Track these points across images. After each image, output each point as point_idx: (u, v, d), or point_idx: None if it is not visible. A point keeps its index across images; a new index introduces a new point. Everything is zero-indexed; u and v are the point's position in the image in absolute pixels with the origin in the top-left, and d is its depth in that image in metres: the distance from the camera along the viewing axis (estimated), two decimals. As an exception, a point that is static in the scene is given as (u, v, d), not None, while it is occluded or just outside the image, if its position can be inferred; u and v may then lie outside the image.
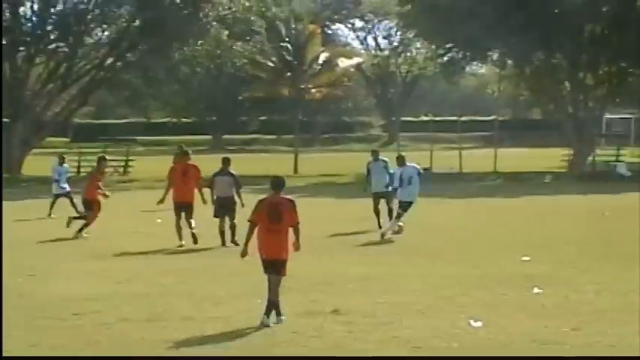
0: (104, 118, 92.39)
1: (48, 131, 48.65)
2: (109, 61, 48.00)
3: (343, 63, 57.34)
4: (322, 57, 52.45)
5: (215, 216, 18.66)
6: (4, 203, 24.17)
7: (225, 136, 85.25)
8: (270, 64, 52.95)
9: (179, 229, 18.58)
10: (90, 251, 17.97)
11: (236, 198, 18.60)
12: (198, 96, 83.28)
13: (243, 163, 50.53)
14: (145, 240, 19.35)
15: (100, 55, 48.28)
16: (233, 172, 18.93)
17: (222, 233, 18.43)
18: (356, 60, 69.76)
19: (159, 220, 23.07)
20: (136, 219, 24.50)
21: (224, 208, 18.52)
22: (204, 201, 18.96)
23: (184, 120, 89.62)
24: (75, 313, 11.71)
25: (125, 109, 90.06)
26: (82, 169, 44.61)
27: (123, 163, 47.55)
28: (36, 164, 42.19)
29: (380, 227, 20.59)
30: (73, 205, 24.06)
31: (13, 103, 44.99)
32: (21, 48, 46.19)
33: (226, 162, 19.09)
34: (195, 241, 18.34)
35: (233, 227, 18.34)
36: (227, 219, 18.51)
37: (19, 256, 17.21)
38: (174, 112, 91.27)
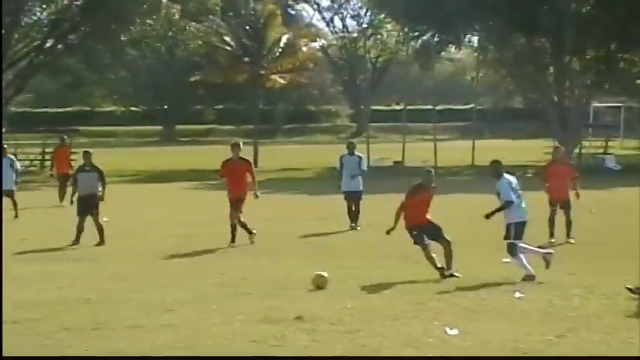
0: (44, 107, 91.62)
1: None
2: (49, 43, 47.71)
3: (307, 46, 57.34)
4: (284, 40, 52.37)
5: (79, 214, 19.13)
6: None
7: (178, 127, 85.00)
8: (227, 47, 52.78)
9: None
10: (26, 253, 17.84)
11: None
12: (147, 83, 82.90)
13: (197, 156, 50.62)
14: (88, 240, 19.23)
15: (38, 37, 47.91)
16: (98, 166, 19.57)
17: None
18: (321, 42, 69.81)
19: (105, 219, 22.97)
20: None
21: (89, 206, 19.11)
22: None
23: (132, 109, 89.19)
24: (13, 322, 11.62)
25: (67, 97, 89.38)
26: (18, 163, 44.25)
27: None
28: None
29: (354, 227, 20.86)
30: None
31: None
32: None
33: (87, 156, 19.65)
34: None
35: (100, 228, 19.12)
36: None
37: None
38: (121, 100, 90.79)
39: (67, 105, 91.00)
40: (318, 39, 70.16)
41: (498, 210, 14.57)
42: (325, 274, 13.91)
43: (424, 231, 14.94)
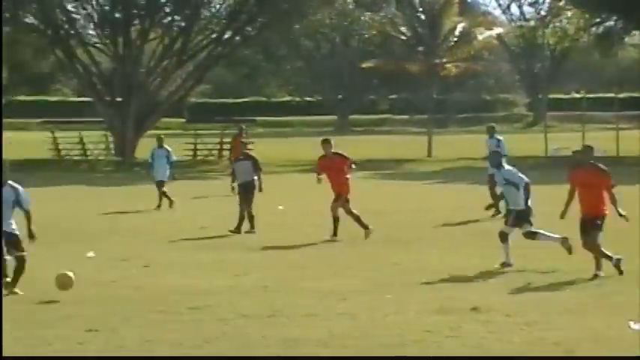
0: (221, 98, 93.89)
1: (162, 111, 49.74)
2: (227, 35, 48.71)
3: (483, 35, 56.62)
4: (459, 28, 51.87)
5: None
6: (116, 188, 24.85)
7: (352, 117, 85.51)
8: (402, 36, 52.72)
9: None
10: (205, 242, 18.34)
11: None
12: (322, 73, 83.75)
13: (371, 146, 50.78)
14: (264, 229, 19.60)
15: (217, 29, 49.04)
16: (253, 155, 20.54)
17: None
18: (497, 31, 68.80)
19: (280, 207, 23.38)
20: (258, 206, 24.83)
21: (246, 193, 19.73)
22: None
23: (307, 99, 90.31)
24: (191, 307, 11.98)
25: (244, 88, 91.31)
26: (198, 152, 45.59)
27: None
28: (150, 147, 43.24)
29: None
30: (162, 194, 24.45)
31: (126, 82, 46.24)
32: (135, 22, 47.40)
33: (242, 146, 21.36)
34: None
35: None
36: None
37: (132, 246, 17.72)
38: (296, 91, 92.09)
39: (243, 96, 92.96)
40: (494, 27, 69.10)
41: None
42: (71, 274, 13.01)
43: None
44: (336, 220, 18.52)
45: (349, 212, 18.58)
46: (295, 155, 44.09)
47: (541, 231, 14.96)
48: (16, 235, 12.62)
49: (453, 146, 48.48)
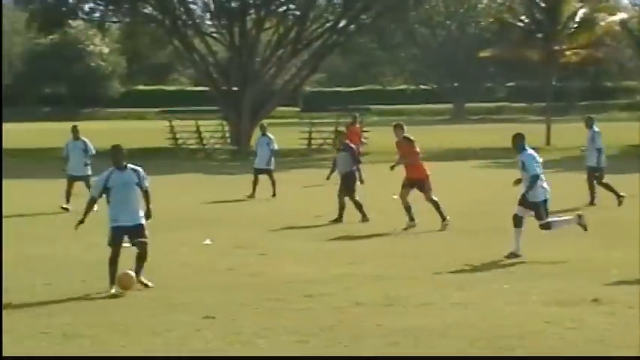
0: (336, 86, 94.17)
1: (277, 100, 50.13)
2: (342, 23, 48.78)
3: (605, 20, 55.36)
4: (580, 14, 50.81)
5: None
6: (232, 177, 25.10)
7: (468, 105, 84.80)
8: (520, 23, 51.92)
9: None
10: (320, 230, 18.39)
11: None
12: (437, 61, 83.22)
13: (487, 134, 50.22)
14: (378, 217, 19.56)
15: (332, 17, 49.15)
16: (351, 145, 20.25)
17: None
18: (620, 16, 67.21)
19: (395, 196, 23.29)
20: (372, 195, 24.83)
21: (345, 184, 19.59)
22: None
23: (422, 87, 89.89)
24: (306, 295, 12.03)
25: (359, 76, 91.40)
26: (312, 141, 45.82)
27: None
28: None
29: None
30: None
31: (242, 71, 46.75)
32: (251, 11, 47.88)
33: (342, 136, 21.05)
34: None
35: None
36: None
37: (248, 234, 17.90)
38: (411, 79, 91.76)
39: (358, 84, 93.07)
40: (617, 12, 67.47)
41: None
42: (132, 273, 12.47)
43: None
44: (407, 208, 18.33)
45: (431, 200, 18.47)
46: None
47: (554, 219, 15.24)
48: (141, 225, 12.72)
49: (573, 134, 47.57)
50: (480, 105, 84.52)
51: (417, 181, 18.51)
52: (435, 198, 18.37)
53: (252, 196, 24.36)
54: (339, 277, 13.26)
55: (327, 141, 46.13)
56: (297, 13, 48.15)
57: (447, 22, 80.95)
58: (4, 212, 19.88)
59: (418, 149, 18.68)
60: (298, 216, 20.39)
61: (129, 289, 12.26)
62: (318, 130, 46.57)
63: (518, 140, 15.12)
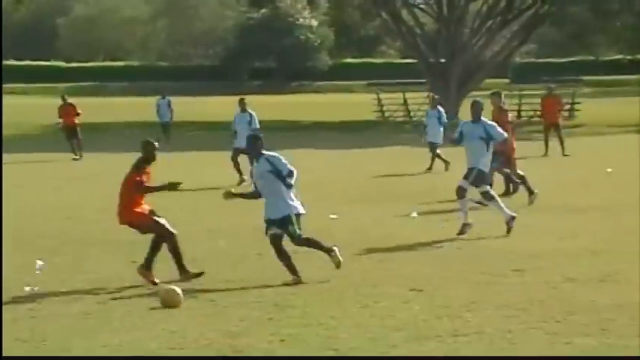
0: (547, 57, 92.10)
1: (486, 72, 49.48)
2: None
3: None
4: None
5: None
6: (439, 150, 24.89)
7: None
8: None
9: None
10: (529, 204, 18.02)
11: None
12: (656, 29, 79.91)
13: None
14: (586, 192, 19.05)
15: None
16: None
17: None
18: None
19: (609, 170, 22.62)
20: (583, 168, 24.19)
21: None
22: None
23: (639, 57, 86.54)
24: (515, 269, 11.85)
25: (571, 46, 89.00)
26: (522, 113, 45.06)
27: (568, 107, 47.08)
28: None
29: None
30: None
31: (449, 43, 46.41)
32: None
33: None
34: None
35: None
36: None
37: (454, 206, 17.75)
38: (626, 49, 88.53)
39: (570, 55, 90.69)
40: None
41: None
42: (179, 290, 10.61)
43: None
44: (522, 178, 18.00)
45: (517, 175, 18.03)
46: (623, 117, 42.55)
47: (497, 198, 14.84)
48: (291, 217, 11.57)
49: None
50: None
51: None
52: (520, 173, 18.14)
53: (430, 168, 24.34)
54: (551, 252, 12.99)
55: (537, 112, 45.19)
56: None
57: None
58: (191, 185, 19.59)
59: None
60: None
61: (169, 305, 10.47)
62: (527, 102, 45.74)
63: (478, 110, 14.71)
